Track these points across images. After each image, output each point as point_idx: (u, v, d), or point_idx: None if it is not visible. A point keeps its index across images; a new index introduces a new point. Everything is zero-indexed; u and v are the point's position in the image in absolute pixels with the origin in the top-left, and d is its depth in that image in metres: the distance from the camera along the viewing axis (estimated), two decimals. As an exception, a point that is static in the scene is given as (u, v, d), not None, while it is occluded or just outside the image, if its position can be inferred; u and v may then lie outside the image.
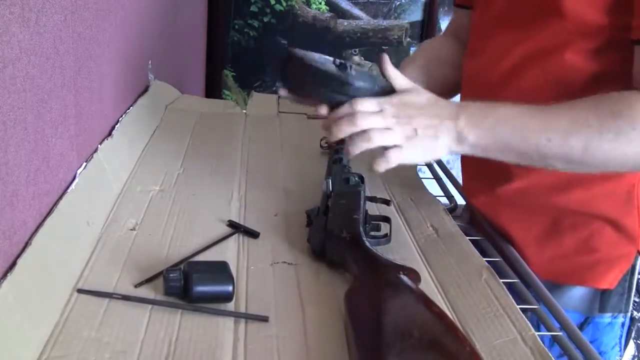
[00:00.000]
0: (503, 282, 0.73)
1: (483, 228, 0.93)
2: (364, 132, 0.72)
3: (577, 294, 0.89)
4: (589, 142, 0.70)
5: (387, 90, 0.75)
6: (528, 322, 0.66)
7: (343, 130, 0.73)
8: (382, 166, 0.73)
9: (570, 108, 0.72)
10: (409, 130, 0.72)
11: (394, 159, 0.73)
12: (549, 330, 0.71)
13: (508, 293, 0.71)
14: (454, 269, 0.76)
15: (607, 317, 0.90)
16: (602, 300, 0.89)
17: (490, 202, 0.93)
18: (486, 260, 0.78)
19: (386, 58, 0.76)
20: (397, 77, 0.76)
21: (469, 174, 1.00)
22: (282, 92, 0.77)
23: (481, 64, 0.89)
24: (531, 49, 0.81)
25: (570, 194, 0.85)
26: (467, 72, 0.95)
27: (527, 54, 0.82)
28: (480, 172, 0.93)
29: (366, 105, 0.73)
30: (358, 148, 0.73)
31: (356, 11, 2.58)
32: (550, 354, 0.61)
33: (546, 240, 0.89)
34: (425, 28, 2.61)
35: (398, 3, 2.59)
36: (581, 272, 0.88)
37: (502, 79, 0.85)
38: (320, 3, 2.53)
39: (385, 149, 0.73)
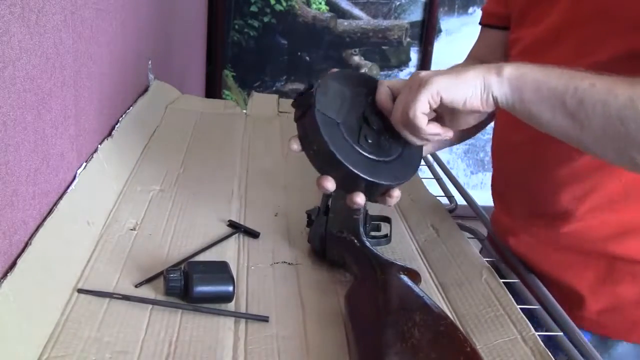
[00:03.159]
0: (503, 282, 0.73)
1: (515, 268, 0.84)
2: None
3: (625, 351, 0.80)
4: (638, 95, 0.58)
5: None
6: (528, 322, 0.66)
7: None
8: (414, 108, 0.64)
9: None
10: (426, 74, 0.65)
11: (426, 91, 0.63)
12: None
13: (508, 293, 0.71)
14: (454, 269, 0.76)
15: None
16: None
17: (533, 242, 0.84)
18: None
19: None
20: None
21: (505, 209, 0.91)
22: (294, 145, 0.69)
23: None
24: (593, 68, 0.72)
25: (628, 242, 0.77)
26: None
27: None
28: (526, 208, 0.85)
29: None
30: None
31: (356, 11, 2.59)
32: (550, 354, 0.61)
33: (601, 288, 0.80)
34: (425, 28, 2.61)
35: (398, 3, 2.59)
36: (638, 327, 0.80)
37: None
38: (320, 3, 2.53)
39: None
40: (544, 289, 0.78)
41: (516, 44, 0.85)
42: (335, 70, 0.72)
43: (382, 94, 0.68)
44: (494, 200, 0.93)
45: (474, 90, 0.63)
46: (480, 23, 0.97)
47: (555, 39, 0.77)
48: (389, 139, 0.69)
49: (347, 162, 0.65)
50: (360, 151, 0.67)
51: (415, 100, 0.63)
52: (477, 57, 0.95)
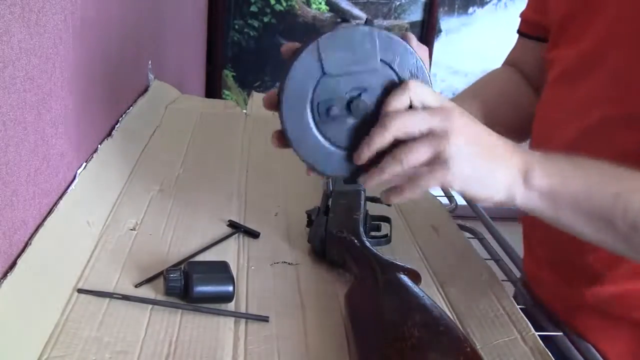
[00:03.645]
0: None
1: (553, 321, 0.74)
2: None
3: None
4: None
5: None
6: (528, 322, 0.66)
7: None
8: (397, 197, 0.56)
9: None
10: (454, 145, 0.53)
11: (422, 185, 0.54)
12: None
13: (508, 293, 0.71)
14: (454, 270, 0.76)
15: None
16: None
17: (561, 297, 0.76)
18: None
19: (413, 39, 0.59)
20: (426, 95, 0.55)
21: (534, 261, 0.83)
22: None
23: (558, 115, 0.73)
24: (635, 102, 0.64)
25: None
26: (539, 123, 0.78)
27: (621, 110, 0.64)
28: (555, 267, 0.77)
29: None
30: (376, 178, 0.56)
31: (356, 11, 2.58)
32: (550, 354, 0.61)
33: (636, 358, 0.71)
34: (425, 28, 2.61)
35: (398, 3, 2.59)
36: None
37: (581, 138, 0.68)
38: (320, 3, 2.53)
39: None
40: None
41: (553, 66, 0.77)
42: (394, 34, 0.57)
43: (395, 100, 0.55)
44: (524, 247, 0.86)
45: (493, 194, 0.54)
46: (517, 31, 0.88)
47: (592, 65, 0.69)
48: (354, 131, 0.58)
49: (286, 112, 0.59)
50: (309, 113, 0.58)
51: (422, 182, 0.54)
52: (513, 64, 0.89)
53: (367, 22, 0.58)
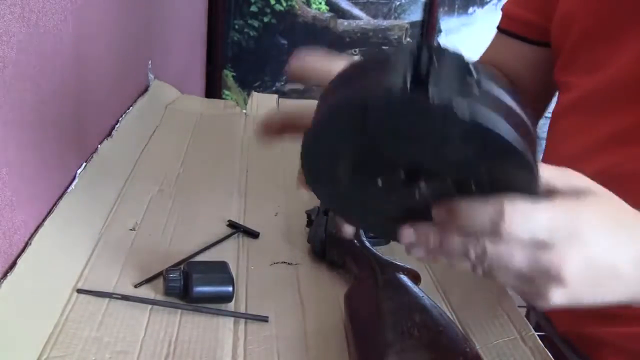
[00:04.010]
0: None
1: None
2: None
3: None
4: None
5: None
6: (527, 322, 0.66)
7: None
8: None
9: None
10: (551, 295, 0.40)
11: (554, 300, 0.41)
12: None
13: (508, 293, 0.71)
14: (454, 269, 0.76)
15: None
16: None
17: (581, 333, 0.72)
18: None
19: None
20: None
21: None
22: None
23: (572, 150, 0.65)
24: None
25: None
26: (548, 158, 0.70)
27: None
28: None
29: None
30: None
31: (356, 11, 2.59)
32: (550, 354, 0.61)
33: None
34: (425, 28, 2.60)
35: (398, 3, 2.59)
36: None
37: (598, 180, 0.58)
38: (320, 3, 2.53)
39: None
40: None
41: (569, 90, 0.68)
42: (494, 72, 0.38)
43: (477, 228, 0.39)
44: None
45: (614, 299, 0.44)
46: (498, 27, 0.77)
47: (619, 98, 0.60)
48: (402, 206, 0.44)
49: (311, 160, 0.42)
50: (343, 167, 0.41)
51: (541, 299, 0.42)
52: (494, 64, 0.78)
53: (470, 73, 0.37)
